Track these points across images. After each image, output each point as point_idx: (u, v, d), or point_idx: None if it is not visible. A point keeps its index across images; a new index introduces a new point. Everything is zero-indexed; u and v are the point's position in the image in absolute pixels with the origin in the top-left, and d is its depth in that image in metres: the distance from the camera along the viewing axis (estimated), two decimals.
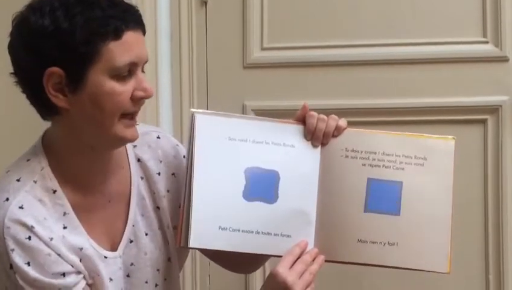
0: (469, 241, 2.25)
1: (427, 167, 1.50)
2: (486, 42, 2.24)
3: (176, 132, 2.31)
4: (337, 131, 1.50)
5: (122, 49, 1.35)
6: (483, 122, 2.26)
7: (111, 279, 1.44)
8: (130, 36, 1.35)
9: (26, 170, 1.40)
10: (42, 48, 1.34)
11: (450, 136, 1.53)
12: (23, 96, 1.42)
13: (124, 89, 1.36)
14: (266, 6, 2.33)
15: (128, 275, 1.48)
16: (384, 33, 2.28)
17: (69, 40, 1.33)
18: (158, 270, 1.52)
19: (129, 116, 1.39)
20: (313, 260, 1.46)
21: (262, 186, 1.47)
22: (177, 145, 1.58)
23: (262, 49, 2.34)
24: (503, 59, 2.23)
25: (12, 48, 1.40)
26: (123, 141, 1.42)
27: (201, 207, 1.43)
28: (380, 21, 2.28)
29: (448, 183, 1.50)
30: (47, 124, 1.46)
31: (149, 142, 1.53)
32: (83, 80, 1.35)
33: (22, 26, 1.37)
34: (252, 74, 2.34)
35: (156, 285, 1.52)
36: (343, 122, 1.51)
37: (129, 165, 1.51)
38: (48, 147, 1.43)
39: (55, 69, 1.34)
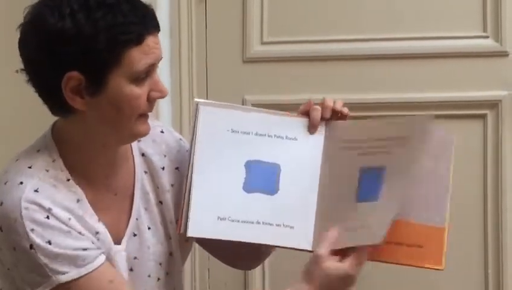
0: (468, 236, 2.25)
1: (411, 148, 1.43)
2: (487, 37, 2.25)
3: (175, 128, 2.29)
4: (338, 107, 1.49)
5: (143, 53, 1.34)
6: (483, 117, 2.27)
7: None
8: (149, 40, 1.35)
9: (37, 159, 1.39)
10: (61, 52, 1.32)
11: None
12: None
13: (141, 92, 1.37)
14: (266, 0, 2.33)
15: (131, 269, 1.48)
16: (385, 28, 2.28)
17: (91, 46, 1.31)
18: (160, 264, 1.51)
19: (144, 114, 1.40)
20: None
21: (263, 179, 1.47)
22: (181, 139, 1.59)
23: (262, 43, 2.34)
24: (503, 54, 2.24)
25: (24, 46, 1.37)
26: (138, 137, 1.44)
27: (200, 197, 1.44)
28: (380, 16, 2.28)
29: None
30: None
31: (153, 136, 1.52)
32: (103, 84, 1.34)
33: (38, 26, 1.34)
34: (252, 68, 2.34)
35: (158, 279, 1.51)
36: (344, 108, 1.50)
37: (133, 159, 1.51)
38: (58, 139, 1.42)
39: (74, 73, 1.33)
